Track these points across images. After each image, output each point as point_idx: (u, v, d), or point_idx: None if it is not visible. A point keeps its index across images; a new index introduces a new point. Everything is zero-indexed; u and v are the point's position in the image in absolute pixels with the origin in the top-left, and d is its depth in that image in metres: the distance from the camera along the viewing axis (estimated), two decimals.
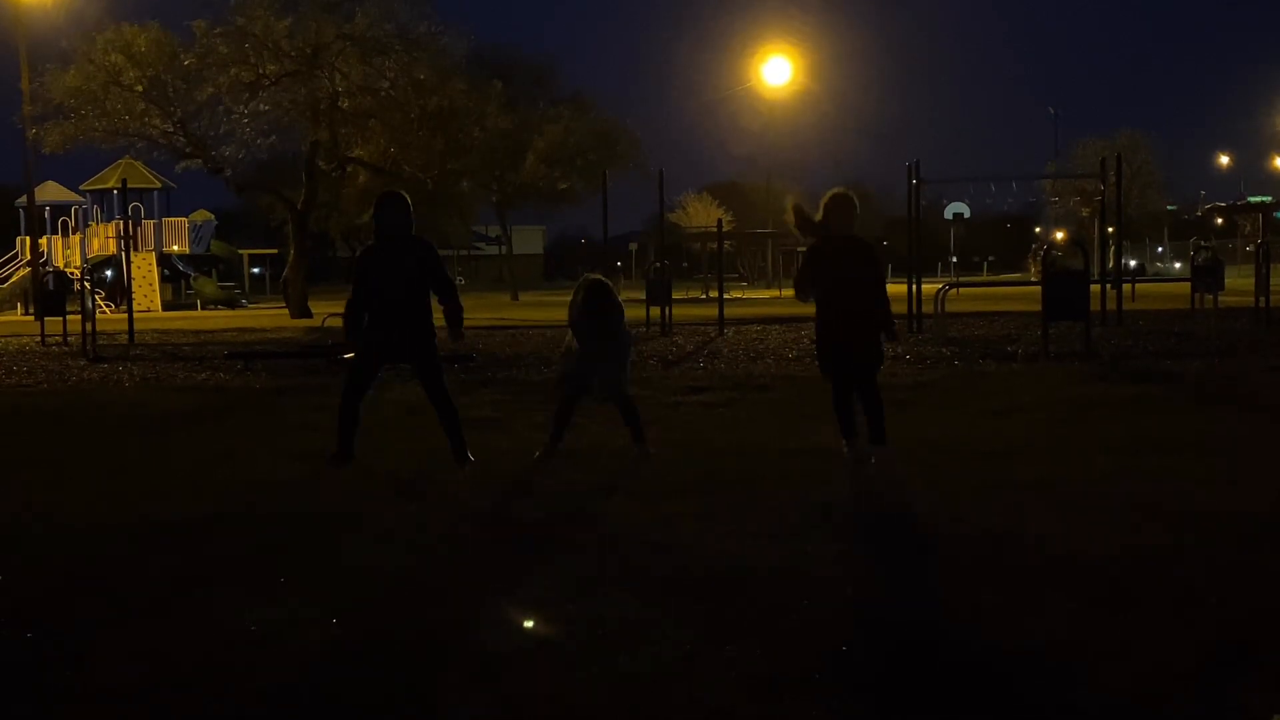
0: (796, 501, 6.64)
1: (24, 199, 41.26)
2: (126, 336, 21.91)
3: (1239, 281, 28.73)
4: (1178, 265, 64.62)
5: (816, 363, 8.12)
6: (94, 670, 4.12)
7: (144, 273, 44.27)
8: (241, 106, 32.09)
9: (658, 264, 22.88)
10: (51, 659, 4.25)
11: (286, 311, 33.73)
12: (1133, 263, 62.68)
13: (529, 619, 4.60)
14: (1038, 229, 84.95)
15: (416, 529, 6.21)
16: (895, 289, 21.67)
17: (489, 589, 5.06)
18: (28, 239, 41.14)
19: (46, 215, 46.45)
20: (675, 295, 24.11)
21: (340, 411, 7.79)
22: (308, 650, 4.30)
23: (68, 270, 35.92)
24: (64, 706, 3.81)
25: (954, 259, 59.44)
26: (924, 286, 21.22)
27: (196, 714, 3.75)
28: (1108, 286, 21.15)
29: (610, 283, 8.19)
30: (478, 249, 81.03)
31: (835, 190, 7.87)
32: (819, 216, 7.72)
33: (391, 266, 7.69)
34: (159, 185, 49.51)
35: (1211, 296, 21.76)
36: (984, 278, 65.72)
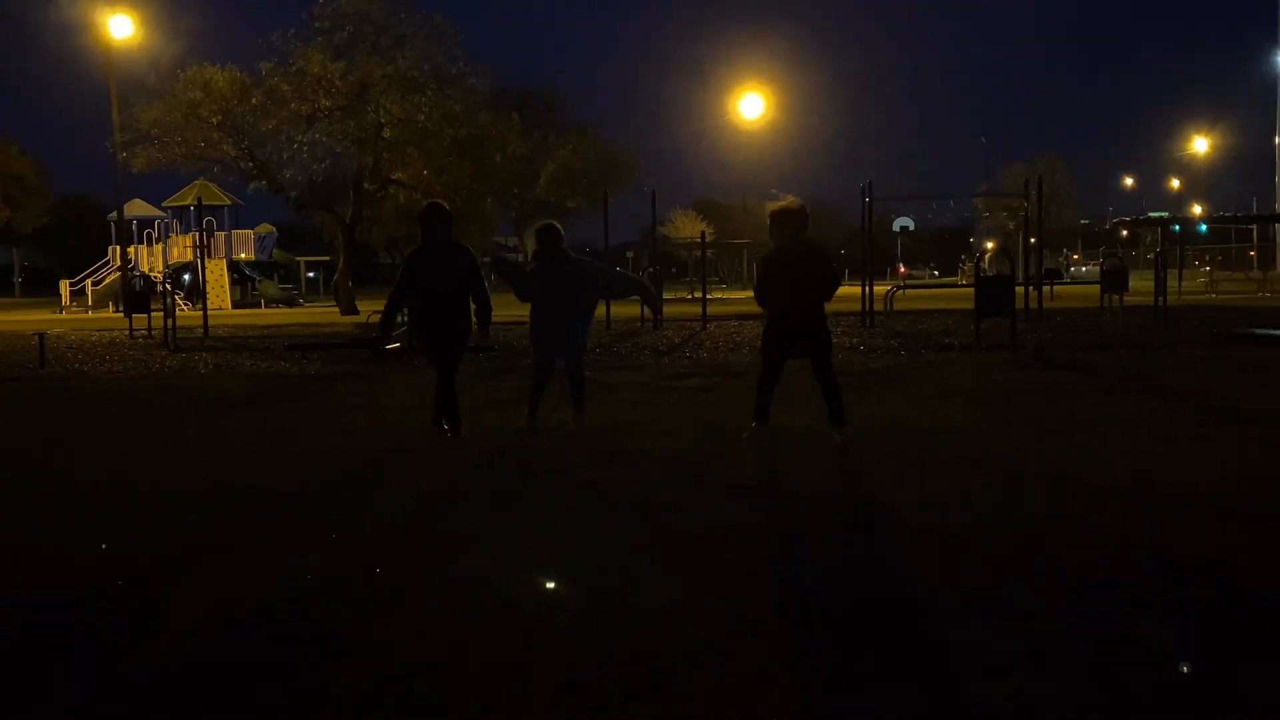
0: (769, 471, 6.63)
1: (115, 214, 41.16)
2: (201, 330, 21.89)
3: (1141, 284, 28.66)
4: (1079, 270, 64.54)
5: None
6: (170, 611, 4.10)
7: (216, 276, 44.14)
8: (300, 136, 32.03)
9: (650, 269, 22.83)
10: (133, 601, 4.24)
11: (337, 309, 33.70)
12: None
13: (541, 569, 4.59)
14: (971, 240, 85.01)
15: (446, 494, 6.20)
16: (851, 290, 21.76)
17: (507, 545, 5.05)
18: (118, 248, 41.06)
19: (134, 228, 46.42)
20: (665, 295, 24.09)
21: (438, 396, 7.88)
22: (352, 596, 4.29)
23: (152, 274, 35.86)
24: (142, 641, 3.79)
25: (901, 265, 59.37)
26: (875, 288, 21.22)
27: (256, 649, 3.73)
28: (1030, 288, 21.15)
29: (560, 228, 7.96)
30: (499, 257, 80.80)
31: (775, 205, 7.60)
32: (769, 230, 7.48)
33: (440, 267, 7.70)
34: (229, 202, 49.42)
35: (1118, 297, 21.72)
36: (926, 280, 65.71)
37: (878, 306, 20.94)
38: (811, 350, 7.37)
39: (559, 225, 8.02)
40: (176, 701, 3.29)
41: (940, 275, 66.22)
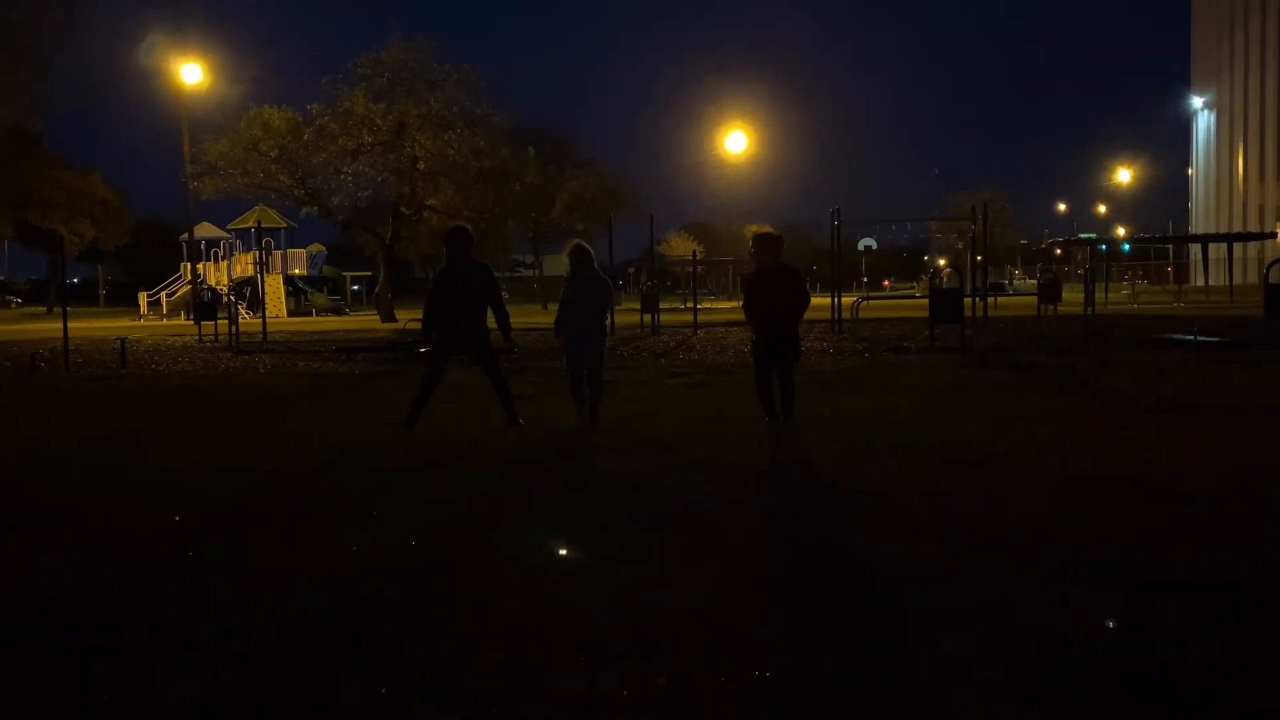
0: (750, 456, 6.61)
1: (186, 235, 41.14)
2: (261, 336, 21.85)
3: (1072, 295, 28.70)
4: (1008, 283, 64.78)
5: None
6: (237, 579, 4.09)
7: (274, 289, 44.13)
8: (346, 168, 32.05)
9: (649, 283, 22.81)
10: (206, 571, 4.22)
11: (378, 318, 33.69)
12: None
13: (554, 542, 4.58)
14: (925, 257, 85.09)
15: (473, 476, 6.18)
16: (821, 301, 21.72)
17: (525, 519, 5.04)
18: (189, 264, 41.04)
19: (202, 247, 46.45)
20: (662, 306, 24.07)
21: (418, 389, 7.79)
22: (394, 564, 4.27)
23: (218, 287, 35.82)
24: (214, 602, 3.77)
25: (865, 279, 59.45)
26: (843, 299, 21.20)
27: (316, 612, 3.71)
28: (977, 298, 21.13)
29: (589, 249, 7.86)
30: (517, 272, 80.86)
31: (756, 230, 7.74)
32: (750, 253, 7.57)
33: (459, 283, 7.69)
34: (285, 225, 49.42)
35: (1052, 307, 21.73)
36: (887, 292, 65.71)
37: (845, 315, 20.90)
38: (783, 358, 7.46)
39: (587, 245, 7.84)
40: (235, 645, 3.28)
41: (914, 288, 66.72)
